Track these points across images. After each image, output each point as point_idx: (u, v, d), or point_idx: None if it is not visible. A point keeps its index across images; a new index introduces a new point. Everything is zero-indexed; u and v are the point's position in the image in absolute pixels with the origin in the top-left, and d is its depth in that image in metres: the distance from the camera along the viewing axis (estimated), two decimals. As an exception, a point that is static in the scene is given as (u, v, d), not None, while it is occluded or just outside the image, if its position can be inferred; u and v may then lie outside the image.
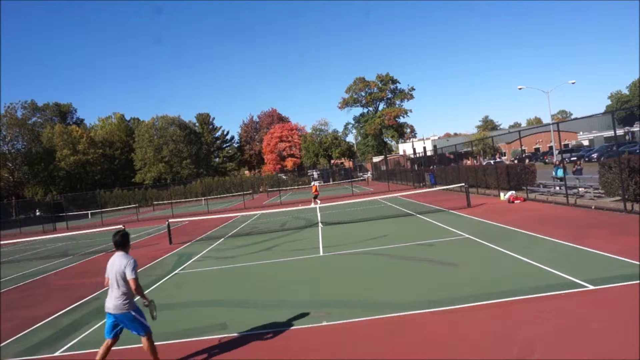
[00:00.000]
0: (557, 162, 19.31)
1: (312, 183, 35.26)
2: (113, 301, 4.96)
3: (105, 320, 5.20)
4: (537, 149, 73.08)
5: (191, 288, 9.52)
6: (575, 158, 37.95)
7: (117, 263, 5.01)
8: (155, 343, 6.14)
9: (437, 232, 12.82)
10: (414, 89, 78.61)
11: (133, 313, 5.03)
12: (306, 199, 33.93)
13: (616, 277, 6.58)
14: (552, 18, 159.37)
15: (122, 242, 5.15)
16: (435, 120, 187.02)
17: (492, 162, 24.67)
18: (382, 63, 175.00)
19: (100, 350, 5.12)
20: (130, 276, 4.90)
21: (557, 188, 17.31)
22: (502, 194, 19.48)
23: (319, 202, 27.77)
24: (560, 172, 17.54)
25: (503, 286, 6.85)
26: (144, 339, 5.12)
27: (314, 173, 72.13)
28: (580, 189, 16.08)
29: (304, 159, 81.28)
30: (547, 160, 51.46)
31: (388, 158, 61.77)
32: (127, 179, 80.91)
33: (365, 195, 33.39)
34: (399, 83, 78.56)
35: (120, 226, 14.64)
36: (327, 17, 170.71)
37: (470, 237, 11.32)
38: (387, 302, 6.78)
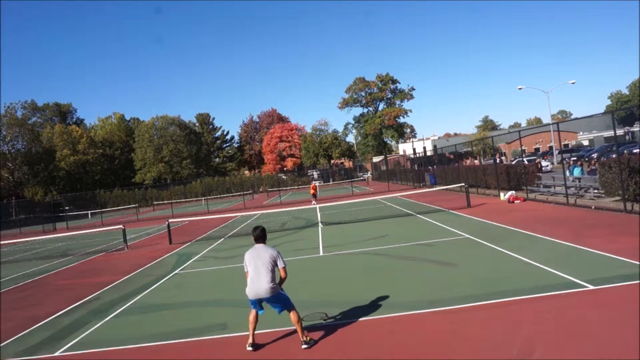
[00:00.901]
0: (574, 161, 19.10)
1: (312, 182, 34.90)
2: (265, 285, 5.39)
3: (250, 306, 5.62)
4: (537, 149, 73.08)
5: (191, 288, 9.52)
6: (574, 157, 37.75)
7: (264, 253, 5.59)
8: (155, 343, 6.18)
9: (437, 232, 12.82)
10: (414, 89, 78.52)
11: (282, 292, 5.61)
12: (306, 199, 33.96)
13: (616, 277, 6.58)
14: (552, 18, 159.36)
15: (262, 235, 5.85)
16: (435, 120, 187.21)
17: (525, 160, 24.26)
18: (382, 63, 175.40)
19: (251, 320, 5.60)
20: (282, 265, 5.57)
21: (557, 188, 17.32)
22: (502, 194, 19.48)
23: (313, 202, 27.86)
24: (577, 172, 17.33)
25: (503, 286, 6.85)
26: (293, 313, 5.52)
27: (314, 173, 72.13)
28: (580, 189, 16.08)
29: (304, 159, 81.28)
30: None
31: (388, 158, 61.79)
32: (127, 179, 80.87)
33: (365, 195, 33.40)
34: (399, 83, 78.48)
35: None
36: (327, 17, 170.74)
37: (470, 237, 11.32)
38: (387, 302, 6.78)
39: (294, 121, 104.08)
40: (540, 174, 20.77)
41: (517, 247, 9.44)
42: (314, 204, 25.04)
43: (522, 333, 5.05)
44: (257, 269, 5.50)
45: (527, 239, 10.32)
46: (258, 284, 5.44)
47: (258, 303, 5.54)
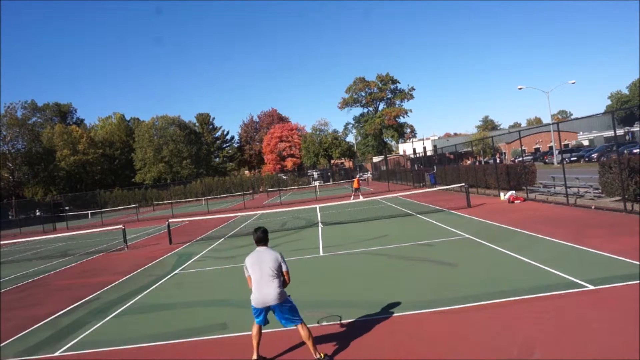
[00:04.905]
0: None
1: (356, 176, 34.33)
2: (273, 292, 5.04)
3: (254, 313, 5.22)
4: (537, 149, 73.05)
5: (191, 288, 9.52)
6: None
7: (268, 257, 5.23)
8: (155, 343, 6.17)
9: (437, 232, 12.82)
10: (414, 89, 78.69)
11: (289, 298, 5.22)
12: (307, 199, 33.95)
13: (616, 277, 6.58)
14: (552, 18, 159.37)
15: (264, 237, 5.47)
16: (435, 120, 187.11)
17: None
18: (382, 63, 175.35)
19: (255, 335, 5.19)
20: (285, 268, 5.25)
21: (557, 188, 17.30)
22: (502, 194, 19.48)
23: (360, 196, 28.21)
24: None
25: (503, 286, 6.84)
26: (301, 326, 5.10)
27: (314, 173, 72.11)
28: (580, 189, 16.06)
29: (304, 159, 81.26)
30: (547, 161, 51.51)
31: (388, 158, 61.74)
32: (127, 179, 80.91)
33: (365, 195, 33.39)
34: (399, 83, 78.67)
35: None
36: (328, 17, 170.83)
37: (470, 237, 11.32)
38: (387, 302, 6.77)
39: (294, 121, 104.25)
40: None
41: (517, 247, 9.43)
42: (361, 198, 26.73)
43: (522, 333, 5.05)
44: (262, 274, 5.13)
45: (527, 239, 10.32)
46: (266, 290, 5.08)
47: (264, 312, 5.17)
